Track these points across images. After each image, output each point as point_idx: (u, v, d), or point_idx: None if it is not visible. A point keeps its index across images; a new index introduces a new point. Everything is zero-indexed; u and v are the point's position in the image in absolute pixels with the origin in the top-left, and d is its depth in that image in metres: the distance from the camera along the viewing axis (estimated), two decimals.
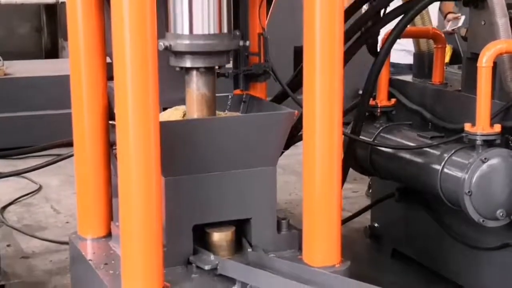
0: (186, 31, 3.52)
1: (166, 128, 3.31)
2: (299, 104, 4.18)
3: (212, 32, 3.54)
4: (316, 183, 3.53)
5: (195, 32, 3.53)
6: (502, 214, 3.90)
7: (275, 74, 4.00)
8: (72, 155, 5.06)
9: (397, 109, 4.77)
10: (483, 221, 3.91)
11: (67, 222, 5.90)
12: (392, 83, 4.82)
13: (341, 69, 3.44)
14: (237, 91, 4.08)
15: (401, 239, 5.02)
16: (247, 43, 3.83)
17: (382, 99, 4.75)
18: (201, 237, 3.63)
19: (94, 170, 3.93)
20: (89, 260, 3.71)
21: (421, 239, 4.81)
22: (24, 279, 4.81)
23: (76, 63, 3.85)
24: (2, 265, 4.57)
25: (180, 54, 3.57)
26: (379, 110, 4.72)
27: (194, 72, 3.61)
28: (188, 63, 3.58)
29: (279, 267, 3.42)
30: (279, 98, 4.50)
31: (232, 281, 3.41)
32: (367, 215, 5.34)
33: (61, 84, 8.28)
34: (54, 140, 6.39)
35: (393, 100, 4.77)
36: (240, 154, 3.59)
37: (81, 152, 3.94)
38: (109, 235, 3.94)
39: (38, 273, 4.96)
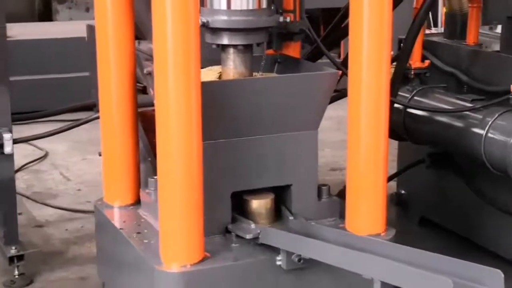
0: (223, 6, 3.33)
1: (205, 89, 3.11)
2: (336, 65, 4.02)
3: (251, 7, 3.34)
4: (361, 148, 3.36)
5: (233, 7, 3.33)
6: None
7: (312, 32, 3.79)
8: (86, 121, 4.95)
9: (430, 71, 4.58)
10: None
11: (78, 190, 5.71)
12: (424, 44, 4.63)
13: (389, 25, 3.25)
14: (270, 51, 3.87)
15: (430, 206, 4.86)
16: (288, 19, 3.64)
17: (415, 61, 4.56)
18: (238, 205, 3.45)
19: (122, 135, 3.73)
20: (120, 229, 3.53)
21: (453, 206, 4.65)
22: (42, 248, 4.61)
23: (103, 23, 3.65)
24: None
25: (217, 31, 3.38)
26: (412, 72, 4.54)
27: (231, 50, 3.42)
28: (225, 40, 3.38)
29: (324, 235, 3.23)
30: (310, 59, 4.29)
31: (276, 250, 3.23)
32: (393, 182, 5.17)
33: (61, 47, 8.20)
34: (58, 104, 6.24)
35: (426, 62, 4.59)
36: (280, 117, 3.40)
37: (108, 116, 3.73)
38: (137, 202, 3.75)
39: (54, 242, 4.78)
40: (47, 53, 8.10)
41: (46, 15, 12.38)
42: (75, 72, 7.91)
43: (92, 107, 6.57)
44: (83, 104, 5.52)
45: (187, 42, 2.95)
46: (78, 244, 4.74)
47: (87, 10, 12.19)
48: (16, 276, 4.23)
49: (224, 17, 3.34)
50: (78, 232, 4.91)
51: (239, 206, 3.45)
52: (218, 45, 3.43)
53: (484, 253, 4.38)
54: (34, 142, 6.38)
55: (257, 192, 3.47)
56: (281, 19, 3.55)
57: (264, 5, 3.38)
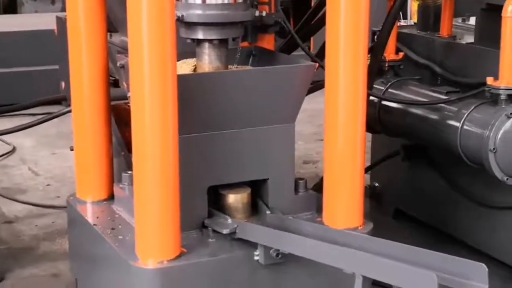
0: (198, 0, 3.28)
1: (181, 82, 3.05)
2: (311, 57, 3.99)
3: (226, 1, 3.30)
4: (339, 142, 3.33)
5: (208, 1, 3.28)
6: None
7: (287, 24, 3.75)
8: (58, 115, 4.87)
9: (404, 63, 4.56)
10: (507, 179, 3.74)
11: (48, 185, 5.62)
12: (398, 36, 4.60)
13: (367, 17, 3.22)
14: (244, 44, 3.82)
15: (404, 199, 4.85)
16: (263, 13, 3.59)
17: (389, 53, 4.53)
18: (215, 200, 3.40)
19: (94, 129, 3.67)
20: (94, 224, 3.46)
21: (427, 199, 4.64)
22: (12, 245, 4.52)
23: (74, 15, 3.59)
24: None
25: (191, 25, 3.32)
26: (386, 65, 4.51)
27: (207, 45, 3.37)
28: (200, 35, 3.33)
29: (302, 229, 3.20)
30: (284, 52, 4.25)
31: (253, 245, 3.19)
32: (367, 175, 5.15)
33: (27, 40, 8.08)
34: (23, 98, 6.15)
35: (401, 54, 4.56)
36: (257, 111, 3.36)
37: (80, 110, 3.67)
38: (111, 197, 3.69)
39: (25, 239, 4.69)
40: (13, 46, 7.97)
41: (11, 7, 12.23)
42: (42, 66, 7.83)
43: (61, 101, 6.49)
44: (52, 98, 5.42)
45: (163, 35, 2.90)
46: (49, 240, 4.66)
47: (53, 2, 12.07)
48: None
49: (199, 11, 3.29)
50: (49, 228, 4.83)
51: (216, 201, 3.41)
52: (193, 39, 3.38)
53: (458, 245, 4.38)
54: (1, 136, 6.28)
55: (234, 186, 3.43)
56: (256, 13, 3.51)
57: None
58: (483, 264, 2.41)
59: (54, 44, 7.35)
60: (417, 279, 2.42)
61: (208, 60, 3.41)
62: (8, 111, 5.57)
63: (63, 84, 7.55)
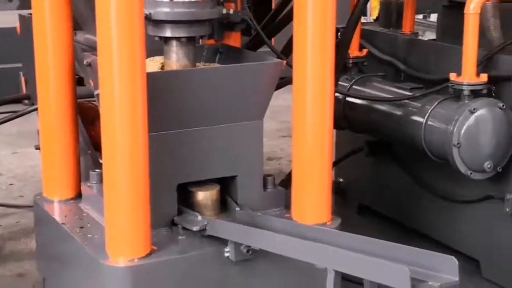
0: None
1: (150, 80, 3.05)
2: (277, 54, 4.02)
3: None
4: (307, 138, 3.36)
5: None
6: (490, 166, 3.82)
7: (254, 22, 3.77)
8: (22, 114, 4.84)
9: (368, 60, 4.62)
10: (470, 173, 3.82)
11: (10, 184, 5.59)
12: (361, 33, 4.65)
13: (333, 14, 3.26)
14: (210, 41, 3.83)
15: (368, 194, 4.92)
16: (231, 11, 3.61)
17: (353, 49, 4.59)
18: (184, 197, 3.41)
19: (61, 127, 3.65)
20: (62, 223, 3.45)
21: (391, 194, 4.71)
22: None
23: (40, 13, 3.56)
24: None
25: (159, 23, 3.33)
26: (351, 61, 4.56)
27: (174, 42, 3.38)
28: (168, 33, 3.34)
29: (272, 225, 3.22)
30: (250, 49, 4.28)
31: (223, 242, 3.21)
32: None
33: None
34: None
35: (364, 51, 4.62)
36: (225, 108, 3.38)
37: (46, 108, 3.65)
38: (78, 196, 3.68)
39: None
40: None
41: None
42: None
43: (21, 100, 6.44)
44: (15, 97, 5.38)
45: (132, 33, 2.90)
46: (14, 240, 4.65)
47: (10, 0, 11.95)
48: None
49: (167, 9, 3.30)
50: (13, 228, 4.82)
51: (185, 198, 3.42)
52: (160, 37, 3.38)
53: (422, 239, 4.45)
54: None
55: (203, 183, 3.44)
56: (224, 11, 3.53)
57: None
58: (453, 257, 2.47)
59: (12, 43, 7.33)
60: (389, 273, 2.46)
61: (175, 58, 3.41)
62: None
63: (23, 82, 7.51)
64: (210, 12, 3.38)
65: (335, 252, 2.71)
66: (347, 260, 2.64)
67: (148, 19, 3.28)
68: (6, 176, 5.77)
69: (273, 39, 7.09)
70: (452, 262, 2.45)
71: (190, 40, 3.40)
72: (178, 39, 3.37)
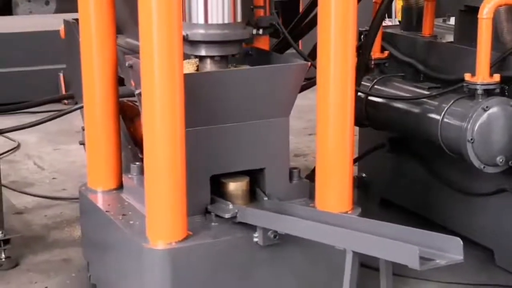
0: (201, 21, 3.58)
1: (188, 80, 3.36)
2: (303, 56, 4.29)
3: (226, 21, 3.60)
4: (330, 133, 3.64)
5: (210, 21, 3.59)
6: (502, 160, 4.05)
7: (281, 26, 4.07)
8: (66, 112, 5.17)
9: (389, 61, 4.88)
10: (483, 167, 4.06)
11: (53, 178, 5.91)
12: (383, 36, 4.92)
13: (355, 19, 3.53)
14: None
15: (390, 188, 5.17)
16: (260, 31, 3.93)
17: (375, 51, 4.85)
18: (216, 188, 3.71)
19: (104, 124, 3.97)
20: (106, 211, 3.77)
21: (412, 188, 4.95)
22: (23, 233, 4.82)
23: (86, 19, 3.88)
24: None
25: (195, 43, 3.63)
26: (372, 62, 4.83)
27: (208, 60, 3.68)
28: (203, 52, 3.64)
29: (297, 213, 3.51)
30: (277, 51, 4.56)
31: (252, 228, 3.50)
32: (354, 166, 5.46)
33: (27, 41, 8.35)
34: (18, 97, 6.45)
35: (386, 53, 4.87)
36: (254, 106, 3.67)
37: (91, 106, 3.97)
38: (120, 187, 4.00)
39: (35, 228, 4.99)
40: (10, 47, 8.22)
41: (6, 8, 12.46)
42: (38, 66, 8.10)
43: (63, 99, 6.79)
44: (58, 97, 5.73)
45: (170, 39, 3.21)
46: (58, 229, 4.95)
47: (47, 3, 12.30)
48: (3, 259, 4.43)
49: (202, 31, 3.60)
50: (57, 218, 5.12)
51: (218, 189, 3.71)
52: (196, 56, 3.69)
53: (441, 230, 4.69)
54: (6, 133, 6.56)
55: (234, 175, 3.72)
56: (254, 31, 3.83)
57: (238, 19, 3.64)
58: (458, 238, 2.74)
59: (51, 45, 7.64)
60: (401, 252, 2.75)
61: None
62: (15, 110, 5.85)
63: (62, 83, 7.86)
64: (241, 33, 3.68)
65: (353, 234, 3.00)
66: (364, 241, 2.93)
67: (185, 39, 3.55)
68: (49, 170, 6.10)
69: (300, 42, 7.41)
70: (457, 242, 2.73)
71: (223, 58, 3.70)
72: (212, 57, 3.67)
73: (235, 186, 3.71)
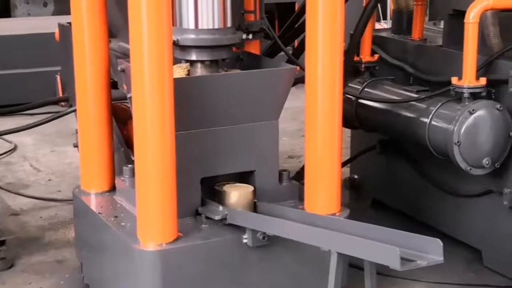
0: (191, 26, 3.64)
1: (177, 84, 3.43)
2: (293, 60, 4.37)
3: (216, 26, 3.67)
4: (318, 136, 3.71)
5: (200, 26, 3.65)
6: (488, 162, 4.12)
7: (271, 31, 4.14)
8: (62, 115, 5.22)
9: (379, 65, 4.94)
10: (470, 169, 4.13)
11: (49, 180, 5.97)
12: (373, 39, 4.98)
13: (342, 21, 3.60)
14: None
15: (381, 189, 5.23)
16: (250, 36, 4.00)
17: (365, 55, 4.92)
18: (207, 190, 3.78)
19: (97, 127, 4.04)
20: (99, 213, 3.84)
21: (402, 189, 5.02)
22: (19, 235, 4.88)
23: (79, 23, 3.95)
24: None
25: (185, 48, 3.70)
26: (363, 66, 4.89)
27: (199, 65, 3.75)
28: (193, 56, 3.71)
29: (285, 215, 3.58)
30: (268, 55, 4.63)
31: (242, 229, 3.57)
32: (346, 168, 5.53)
33: (25, 43, 8.41)
34: (16, 99, 6.50)
35: (376, 56, 4.94)
36: (244, 109, 3.74)
37: (85, 109, 4.04)
38: (112, 189, 4.07)
39: (30, 229, 5.05)
40: (8, 49, 8.28)
41: (4, 10, 12.51)
42: (36, 68, 8.15)
43: (59, 102, 6.82)
44: (56, 99, 5.77)
45: (160, 45, 3.28)
46: (53, 230, 5.01)
47: (45, 4, 12.35)
48: None
49: (192, 36, 3.66)
50: (52, 219, 5.18)
51: (208, 191, 3.78)
52: (187, 60, 3.75)
53: (430, 230, 4.75)
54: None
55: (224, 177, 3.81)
56: (244, 36, 3.89)
57: (228, 24, 3.71)
58: (438, 239, 2.81)
59: (48, 47, 7.68)
60: (383, 253, 2.82)
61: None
62: (14, 111, 5.90)
63: (59, 85, 7.88)
64: (231, 37, 3.74)
65: (337, 236, 3.07)
66: (347, 243, 3.00)
67: (176, 44, 3.63)
68: (45, 172, 6.16)
69: (296, 41, 7.49)
70: (437, 244, 2.80)
71: (213, 62, 3.76)
72: (202, 62, 3.73)
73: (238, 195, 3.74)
